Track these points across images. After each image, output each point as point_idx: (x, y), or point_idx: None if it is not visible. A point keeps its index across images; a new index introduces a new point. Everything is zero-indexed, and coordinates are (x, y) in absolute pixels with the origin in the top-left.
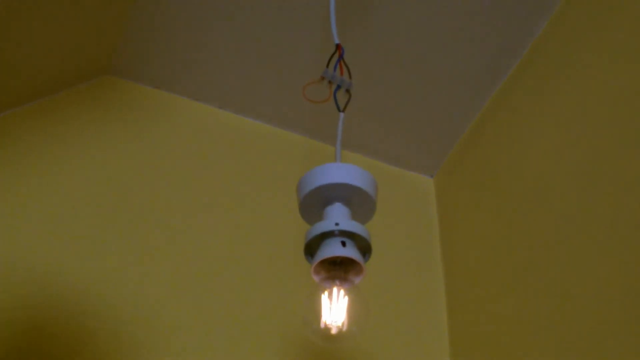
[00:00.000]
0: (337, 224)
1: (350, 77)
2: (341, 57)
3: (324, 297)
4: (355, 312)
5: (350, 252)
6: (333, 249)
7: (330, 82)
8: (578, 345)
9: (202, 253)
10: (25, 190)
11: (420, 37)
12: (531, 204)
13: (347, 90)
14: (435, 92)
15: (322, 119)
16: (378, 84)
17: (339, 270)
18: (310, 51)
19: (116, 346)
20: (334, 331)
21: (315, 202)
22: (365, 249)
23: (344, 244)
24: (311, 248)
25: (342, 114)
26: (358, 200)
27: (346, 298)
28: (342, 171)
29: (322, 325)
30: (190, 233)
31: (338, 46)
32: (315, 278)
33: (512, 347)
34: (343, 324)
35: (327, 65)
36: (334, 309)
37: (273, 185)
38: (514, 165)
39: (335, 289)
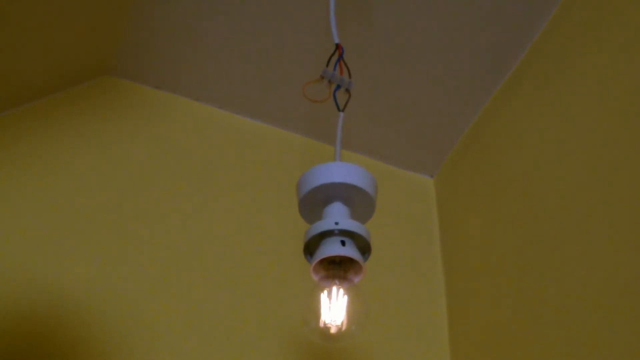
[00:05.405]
0: (336, 223)
1: (350, 76)
2: (341, 56)
3: (323, 296)
4: (354, 311)
5: (350, 251)
6: (332, 248)
7: (330, 82)
8: (578, 345)
9: (201, 253)
10: (25, 190)
11: (420, 37)
12: (531, 204)
13: (347, 90)
14: (435, 91)
15: (321, 119)
16: (378, 83)
17: (338, 269)
18: (310, 51)
19: (114, 346)
20: (333, 330)
21: (314, 201)
22: (365, 248)
23: (343, 243)
24: (310, 247)
25: (341, 114)
26: (357, 200)
27: (345, 297)
28: (342, 170)
29: (321, 324)
30: (189, 233)
31: (338, 46)
32: (315, 277)
33: (512, 347)
34: (342, 323)
35: (327, 65)
36: (333, 308)
37: (273, 185)
38: (514, 165)
39: (334, 288)
